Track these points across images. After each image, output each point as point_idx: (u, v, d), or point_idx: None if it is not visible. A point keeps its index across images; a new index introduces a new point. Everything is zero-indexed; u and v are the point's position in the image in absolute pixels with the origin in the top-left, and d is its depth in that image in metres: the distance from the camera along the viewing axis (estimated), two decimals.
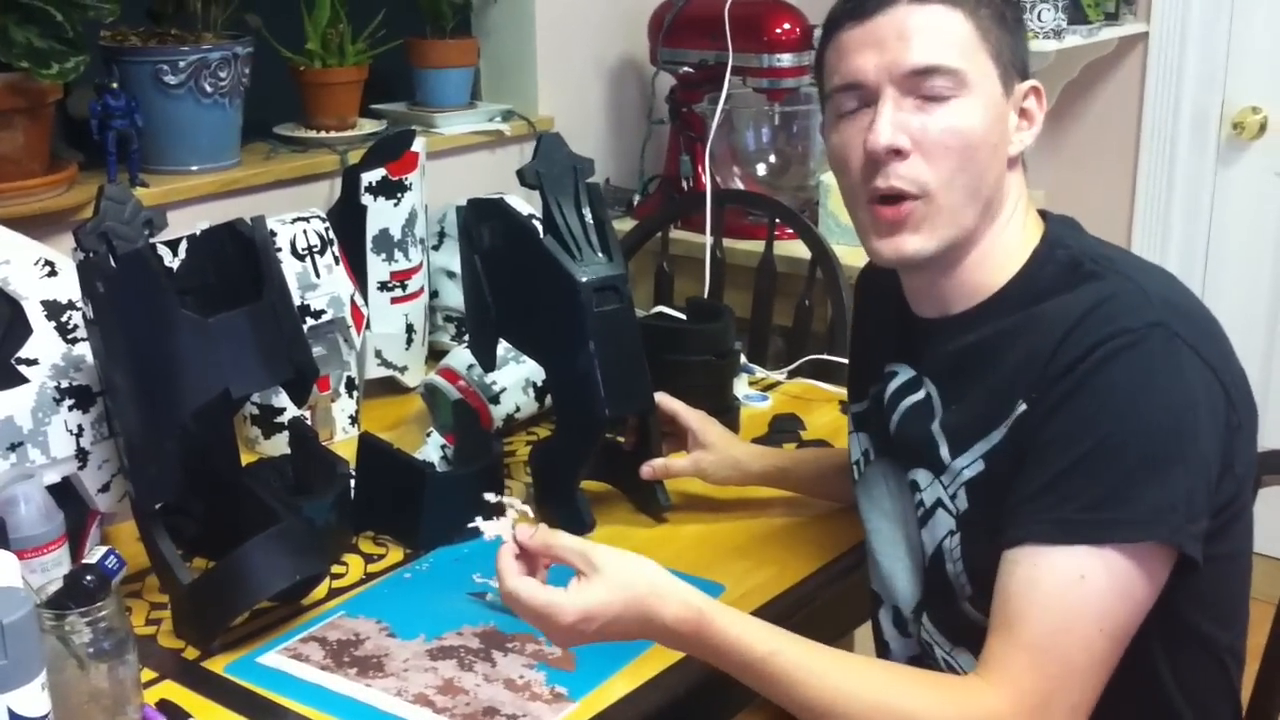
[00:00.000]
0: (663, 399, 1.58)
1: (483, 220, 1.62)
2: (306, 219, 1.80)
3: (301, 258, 1.76)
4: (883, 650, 1.38)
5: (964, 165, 1.18)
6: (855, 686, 1.09)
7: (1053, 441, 1.11)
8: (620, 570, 1.12)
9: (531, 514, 1.30)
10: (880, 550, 1.34)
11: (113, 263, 1.31)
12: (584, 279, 1.47)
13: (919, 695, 1.09)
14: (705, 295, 2.42)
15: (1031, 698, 1.07)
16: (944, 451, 1.22)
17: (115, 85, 1.92)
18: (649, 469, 1.56)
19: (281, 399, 1.75)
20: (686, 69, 2.58)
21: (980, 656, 1.11)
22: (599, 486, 1.64)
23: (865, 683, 1.10)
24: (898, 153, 1.17)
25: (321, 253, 1.79)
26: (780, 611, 1.39)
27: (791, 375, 2.09)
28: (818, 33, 2.35)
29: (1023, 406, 1.14)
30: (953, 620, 1.24)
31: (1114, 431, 1.08)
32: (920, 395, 1.27)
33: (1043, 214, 1.27)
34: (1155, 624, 1.16)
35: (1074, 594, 1.07)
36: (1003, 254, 1.23)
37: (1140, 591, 1.09)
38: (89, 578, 1.17)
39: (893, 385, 1.31)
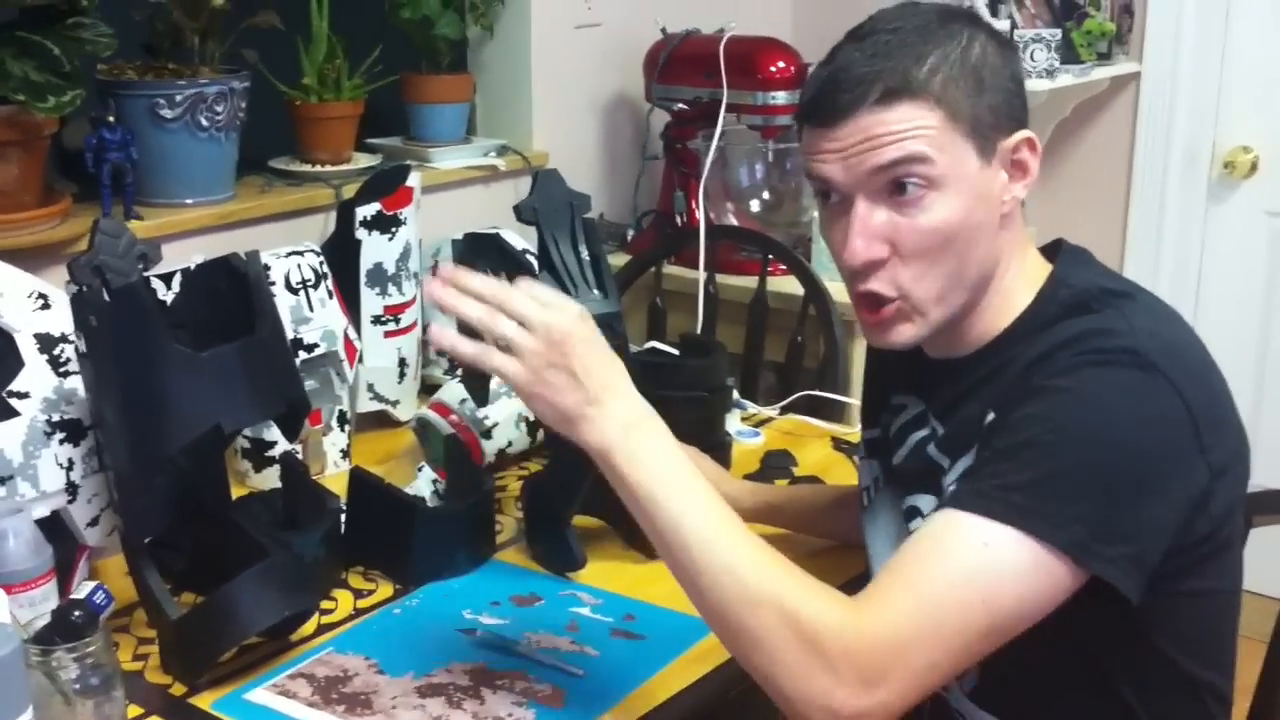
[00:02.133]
0: None
1: (478, 255, 1.62)
2: (301, 253, 1.80)
3: (295, 291, 1.77)
4: None
5: (944, 260, 1.18)
6: (751, 541, 1.11)
7: (1000, 429, 1.13)
8: None
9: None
10: None
11: (106, 296, 1.31)
12: None
13: (799, 579, 1.09)
14: (698, 330, 2.43)
15: (894, 633, 1.05)
16: (945, 474, 1.23)
17: (111, 118, 1.92)
18: None
19: (273, 432, 1.74)
20: (681, 106, 2.59)
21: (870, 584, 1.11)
22: (591, 521, 1.63)
23: (759, 545, 1.11)
24: (875, 262, 1.18)
25: (315, 286, 1.79)
26: None
27: (784, 411, 2.10)
28: (811, 70, 2.36)
29: (991, 415, 1.16)
30: None
31: (1054, 431, 1.09)
32: (925, 431, 1.28)
33: (1056, 246, 1.27)
34: (1127, 658, 1.16)
35: (972, 558, 1.07)
36: (1004, 301, 1.23)
37: (1038, 586, 1.07)
38: (76, 613, 1.17)
39: (901, 418, 1.32)
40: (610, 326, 1.50)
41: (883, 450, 1.37)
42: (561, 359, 1.13)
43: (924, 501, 1.26)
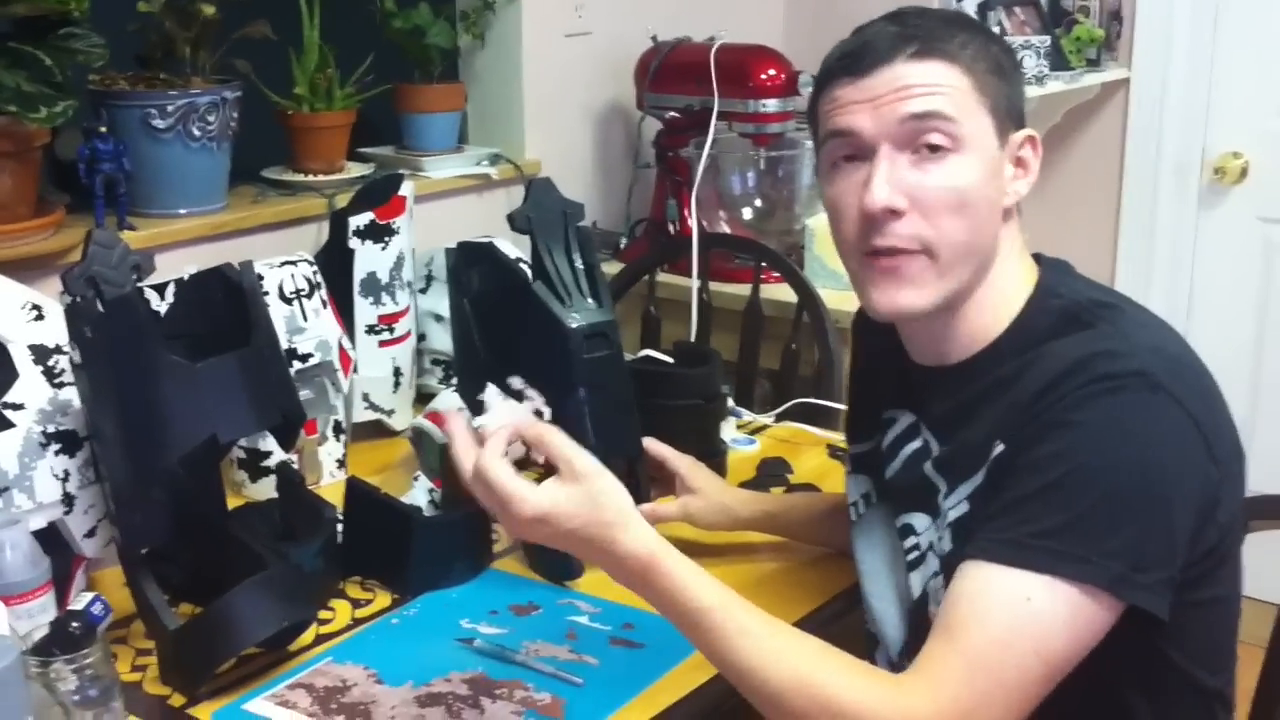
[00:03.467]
0: (650, 444, 1.58)
1: (472, 264, 1.62)
2: (294, 263, 1.80)
3: (289, 301, 1.76)
4: None
5: (961, 222, 1.18)
6: (781, 653, 1.09)
7: (1021, 469, 1.12)
8: (596, 488, 1.12)
9: (547, 416, 1.29)
10: (873, 593, 1.34)
11: (100, 307, 1.30)
12: (574, 325, 1.47)
13: (841, 676, 1.08)
14: (692, 339, 2.43)
15: (956, 705, 1.06)
16: (941, 495, 1.23)
17: (103, 129, 1.92)
18: None
19: (268, 442, 1.74)
20: (672, 114, 2.60)
21: (916, 658, 1.11)
22: None
23: (792, 652, 1.09)
24: (894, 212, 1.18)
25: (309, 296, 1.79)
26: None
27: (779, 419, 2.10)
28: (802, 78, 2.35)
29: (1000, 447, 1.15)
30: None
31: (1078, 469, 1.09)
32: (919, 444, 1.28)
33: (1037, 258, 1.28)
34: (1138, 668, 1.16)
35: (1018, 613, 1.08)
36: (997, 303, 1.23)
37: (1083, 628, 1.09)
38: (75, 624, 1.16)
39: (892, 433, 1.32)
40: (605, 335, 1.50)
41: (872, 465, 1.36)
42: (557, 535, 1.14)
43: (918, 520, 1.26)
